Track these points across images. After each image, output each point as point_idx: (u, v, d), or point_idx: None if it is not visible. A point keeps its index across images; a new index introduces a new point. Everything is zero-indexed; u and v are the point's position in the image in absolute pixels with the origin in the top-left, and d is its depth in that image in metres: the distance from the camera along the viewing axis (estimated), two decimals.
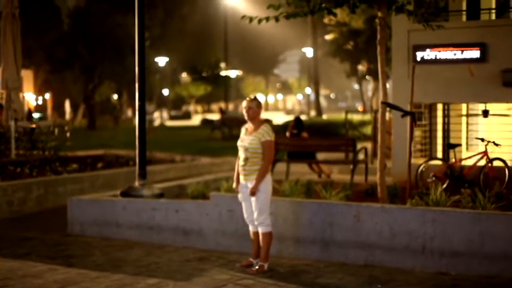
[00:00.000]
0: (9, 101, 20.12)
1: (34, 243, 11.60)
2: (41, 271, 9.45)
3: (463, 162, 14.36)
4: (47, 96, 65.75)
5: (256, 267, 9.46)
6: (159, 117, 75.08)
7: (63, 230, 12.77)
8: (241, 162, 9.40)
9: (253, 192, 9.23)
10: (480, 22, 16.36)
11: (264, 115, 51.69)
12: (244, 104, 9.50)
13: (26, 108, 29.41)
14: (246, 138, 9.35)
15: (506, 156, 14.30)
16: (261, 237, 9.42)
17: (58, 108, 65.83)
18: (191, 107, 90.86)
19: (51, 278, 9.04)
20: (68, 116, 60.86)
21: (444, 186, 13.09)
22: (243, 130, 9.53)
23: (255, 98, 9.56)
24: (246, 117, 9.44)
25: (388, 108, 12.17)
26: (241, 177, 9.43)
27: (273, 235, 9.54)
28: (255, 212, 9.33)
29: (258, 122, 9.40)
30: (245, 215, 9.62)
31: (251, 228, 9.61)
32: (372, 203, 10.56)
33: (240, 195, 9.60)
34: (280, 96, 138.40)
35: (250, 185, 9.27)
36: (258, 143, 9.23)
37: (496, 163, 13.81)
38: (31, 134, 20.65)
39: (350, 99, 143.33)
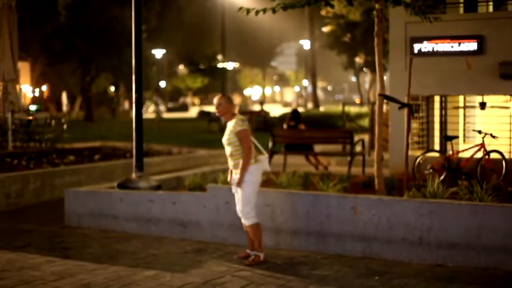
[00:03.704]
0: (5, 93, 20.08)
1: (31, 235, 11.60)
2: (39, 263, 9.45)
3: (460, 155, 14.37)
4: (44, 88, 65.66)
5: (252, 257, 9.49)
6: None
7: (60, 222, 12.77)
8: (228, 157, 9.60)
9: (239, 184, 9.35)
10: (477, 14, 16.35)
11: (265, 107, 51.23)
12: (214, 101, 9.63)
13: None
14: (226, 135, 9.53)
15: (503, 148, 14.32)
16: (249, 230, 9.51)
17: (55, 100, 65.74)
18: (188, 99, 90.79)
19: (49, 270, 9.05)
20: (65, 108, 60.77)
21: (441, 178, 13.10)
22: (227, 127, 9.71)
23: (224, 95, 9.80)
24: (217, 114, 9.72)
25: (385, 101, 12.17)
26: (233, 172, 9.61)
27: (261, 225, 9.60)
28: (240, 204, 9.47)
29: (231, 117, 9.56)
30: (237, 207, 9.68)
31: (243, 221, 9.66)
32: (370, 195, 10.57)
33: (232, 187, 9.68)
34: (277, 88, 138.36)
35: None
36: (234, 136, 9.40)
37: (493, 155, 13.83)
38: (28, 126, 20.63)
39: (347, 92, 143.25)
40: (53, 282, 8.42)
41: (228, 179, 9.83)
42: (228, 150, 9.50)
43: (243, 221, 9.64)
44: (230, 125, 9.49)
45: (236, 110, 9.60)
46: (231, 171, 9.66)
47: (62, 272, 8.93)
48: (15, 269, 9.09)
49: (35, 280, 8.53)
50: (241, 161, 9.33)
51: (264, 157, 9.76)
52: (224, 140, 9.53)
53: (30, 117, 21.54)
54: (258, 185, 9.49)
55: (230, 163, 9.56)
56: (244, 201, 9.38)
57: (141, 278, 8.69)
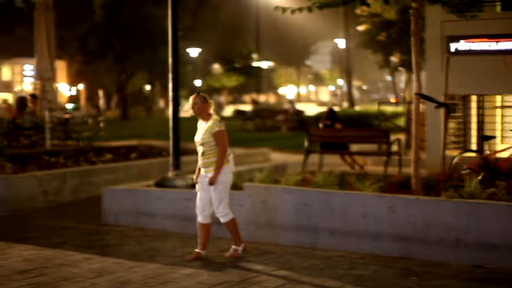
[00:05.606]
0: (43, 91, 20.29)
1: (70, 233, 11.73)
2: (77, 260, 9.56)
3: (498, 155, 14.24)
4: (81, 86, 66.18)
5: (231, 251, 9.75)
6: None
7: (98, 219, 12.90)
8: (199, 156, 9.66)
9: (211, 182, 9.45)
10: None
11: (299, 106, 51.00)
12: (190, 100, 9.69)
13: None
14: (200, 134, 9.59)
15: None
16: (225, 226, 9.71)
17: (91, 99, 66.28)
18: (222, 98, 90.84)
19: (87, 267, 9.14)
20: (101, 106, 61.25)
21: (479, 178, 12.98)
22: (198, 126, 9.69)
23: (199, 94, 9.75)
24: (193, 113, 9.68)
25: (422, 100, 12.11)
26: (202, 170, 9.69)
27: (237, 220, 9.73)
28: (215, 203, 9.56)
29: (207, 116, 9.62)
30: (198, 204, 9.74)
31: (200, 220, 9.73)
32: (407, 194, 10.53)
33: (197, 186, 9.79)
34: (312, 87, 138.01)
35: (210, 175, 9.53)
36: (209, 136, 9.48)
37: None
38: (66, 125, 20.83)
39: (382, 91, 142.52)
40: (91, 279, 8.51)
41: (194, 178, 9.87)
42: (200, 149, 9.58)
43: (199, 219, 9.71)
44: (206, 125, 9.54)
45: (212, 110, 9.64)
46: (199, 170, 9.72)
47: (100, 269, 9.02)
48: (55, 266, 9.20)
49: (74, 277, 8.62)
50: (212, 160, 9.46)
51: (230, 157, 9.84)
52: (198, 138, 9.59)
53: (68, 116, 21.74)
54: (230, 184, 9.64)
55: (200, 162, 9.63)
56: (218, 200, 9.53)
57: (178, 276, 8.75)
